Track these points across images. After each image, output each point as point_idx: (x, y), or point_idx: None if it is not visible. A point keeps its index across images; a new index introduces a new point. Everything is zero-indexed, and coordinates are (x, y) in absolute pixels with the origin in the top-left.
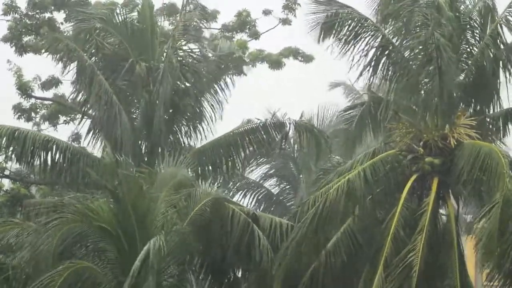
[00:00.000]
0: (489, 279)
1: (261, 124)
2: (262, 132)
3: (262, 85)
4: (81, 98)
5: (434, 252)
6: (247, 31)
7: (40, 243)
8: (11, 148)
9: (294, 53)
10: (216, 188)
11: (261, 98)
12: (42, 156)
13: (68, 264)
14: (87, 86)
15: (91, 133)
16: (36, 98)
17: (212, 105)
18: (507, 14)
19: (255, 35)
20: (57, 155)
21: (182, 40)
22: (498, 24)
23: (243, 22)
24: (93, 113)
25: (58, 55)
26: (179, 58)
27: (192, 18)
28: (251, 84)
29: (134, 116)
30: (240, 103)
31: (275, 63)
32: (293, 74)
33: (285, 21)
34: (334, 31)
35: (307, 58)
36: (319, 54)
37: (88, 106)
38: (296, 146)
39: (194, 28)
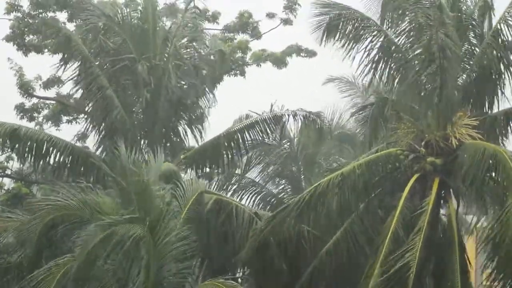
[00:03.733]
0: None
1: (259, 118)
2: (261, 125)
3: (266, 84)
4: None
5: (433, 252)
6: (249, 31)
7: (26, 226)
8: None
9: (296, 50)
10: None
11: (266, 96)
12: (41, 155)
13: (68, 259)
14: (82, 77)
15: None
16: (37, 97)
17: (211, 103)
18: (507, 13)
19: (257, 35)
20: (57, 154)
21: (183, 40)
22: (500, 23)
23: (245, 24)
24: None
25: (58, 47)
26: (178, 58)
27: (190, 18)
28: (255, 83)
29: (136, 115)
30: (246, 102)
31: (279, 61)
32: (297, 71)
33: (286, 21)
34: (337, 32)
35: (310, 53)
36: (323, 53)
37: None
38: (298, 146)
39: (192, 28)
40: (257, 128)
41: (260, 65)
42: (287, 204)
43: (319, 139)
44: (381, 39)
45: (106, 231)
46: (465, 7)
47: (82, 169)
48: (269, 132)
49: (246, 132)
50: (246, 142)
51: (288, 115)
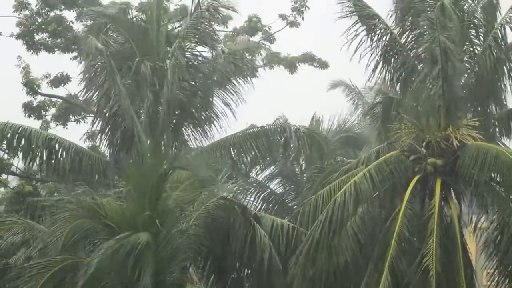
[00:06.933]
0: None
1: (263, 130)
2: (263, 138)
3: (276, 85)
4: (92, 95)
5: (445, 254)
6: (258, 34)
7: (50, 235)
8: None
9: (310, 59)
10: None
11: (276, 101)
12: (44, 155)
13: (66, 256)
14: (101, 85)
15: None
16: (43, 95)
17: (223, 105)
18: (510, 14)
19: (269, 39)
20: (60, 154)
21: (191, 40)
22: (501, 25)
23: (253, 28)
24: (104, 112)
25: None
26: (185, 59)
27: (202, 18)
28: (266, 85)
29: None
30: (254, 104)
31: (290, 65)
32: (306, 75)
33: (293, 24)
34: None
35: (323, 65)
36: (332, 57)
37: (99, 105)
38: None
39: (204, 28)
40: (260, 141)
41: (273, 67)
42: (314, 225)
43: (321, 159)
44: (387, 38)
45: (121, 242)
46: (467, 6)
47: (86, 169)
48: (272, 145)
49: (248, 143)
50: (249, 153)
51: (290, 129)
